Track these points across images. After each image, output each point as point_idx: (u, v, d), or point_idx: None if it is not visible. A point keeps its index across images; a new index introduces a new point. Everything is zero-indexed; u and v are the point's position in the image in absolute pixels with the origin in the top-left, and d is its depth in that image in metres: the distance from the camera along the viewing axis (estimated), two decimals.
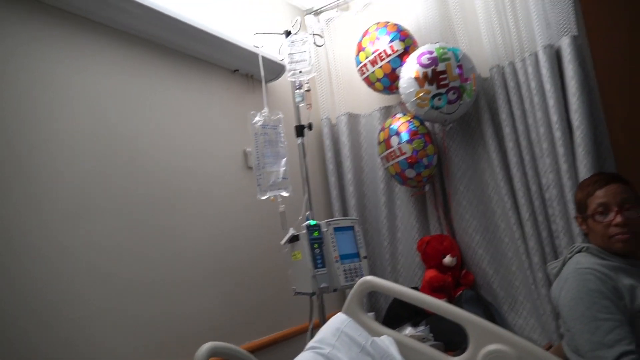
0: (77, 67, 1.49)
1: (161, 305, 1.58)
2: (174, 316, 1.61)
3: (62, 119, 1.42)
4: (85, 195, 1.44)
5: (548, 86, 1.94)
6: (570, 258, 1.48)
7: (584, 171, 1.85)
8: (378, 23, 2.29)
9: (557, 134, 1.91)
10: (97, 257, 1.43)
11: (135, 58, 1.68)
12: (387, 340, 1.29)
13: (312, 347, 1.02)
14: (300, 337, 1.91)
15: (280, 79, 2.17)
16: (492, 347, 1.26)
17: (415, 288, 2.27)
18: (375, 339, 1.20)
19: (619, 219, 1.39)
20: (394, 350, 1.26)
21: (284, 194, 1.81)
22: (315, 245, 1.66)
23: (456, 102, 2.03)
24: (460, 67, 2.02)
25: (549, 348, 1.79)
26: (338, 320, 1.12)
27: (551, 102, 1.93)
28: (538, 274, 1.99)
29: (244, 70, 2.08)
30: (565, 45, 1.92)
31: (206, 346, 1.32)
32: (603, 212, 1.42)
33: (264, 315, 1.95)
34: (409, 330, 2.04)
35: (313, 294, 1.67)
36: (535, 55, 2.00)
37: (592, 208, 1.44)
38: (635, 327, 1.31)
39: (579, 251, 1.48)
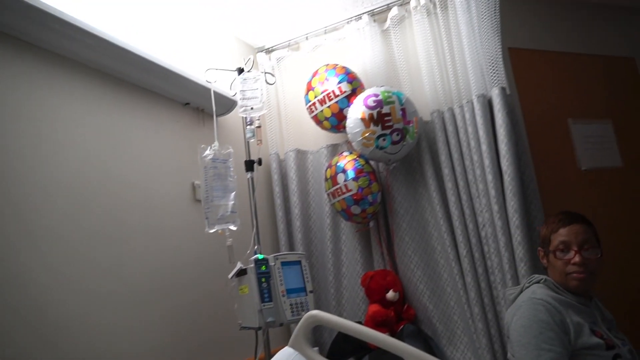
0: (26, 94, 1.46)
1: (103, 338, 1.52)
2: (120, 349, 1.56)
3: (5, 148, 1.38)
4: (34, 223, 1.40)
5: (481, 132, 2.09)
6: (527, 287, 1.56)
7: (512, 212, 1.98)
8: (327, 65, 2.40)
9: (489, 177, 2.05)
10: (48, 283, 1.39)
11: (85, 88, 1.67)
12: None
13: None
14: None
15: (230, 113, 2.21)
16: None
17: (360, 322, 2.31)
18: None
19: (577, 258, 1.47)
20: None
21: (232, 227, 1.82)
22: (263, 280, 1.67)
23: (399, 143, 2.14)
24: (403, 110, 2.14)
25: None
26: (285, 355, 1.14)
27: (484, 147, 2.07)
28: (475, 309, 2.08)
29: (195, 104, 2.10)
30: (495, 96, 2.09)
31: None
32: (564, 250, 1.51)
33: (209, 350, 1.91)
34: None
35: (259, 328, 1.67)
36: (471, 103, 2.15)
37: (554, 244, 1.53)
38: None
39: (537, 282, 1.56)
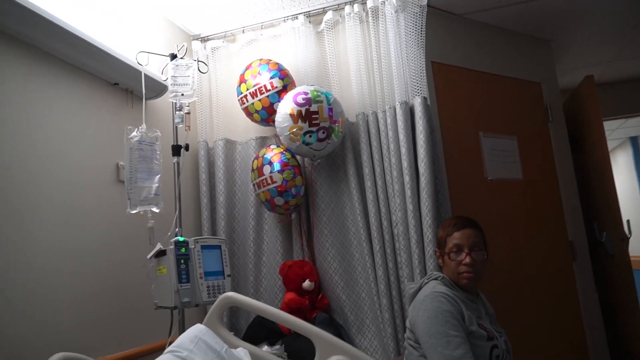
0: None
1: (12, 317, 1.49)
2: (26, 329, 1.52)
3: None
4: None
5: (402, 136, 2.25)
6: (427, 283, 1.72)
7: (425, 212, 2.16)
8: (261, 59, 2.46)
9: (407, 178, 2.21)
10: None
11: (4, 56, 1.61)
12: (242, 352, 1.40)
13: (171, 351, 1.08)
14: (159, 353, 1.91)
15: (161, 97, 2.21)
16: (335, 358, 1.44)
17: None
18: (231, 349, 1.30)
19: (467, 259, 1.66)
20: None
21: (155, 209, 1.84)
22: (182, 261, 1.71)
23: (325, 141, 2.25)
24: (330, 109, 2.25)
25: None
26: (196, 329, 1.20)
27: (403, 150, 2.23)
28: (383, 300, 2.23)
29: (124, 85, 2.09)
30: (417, 104, 2.26)
31: (57, 356, 1.29)
32: (457, 252, 1.68)
33: (123, 329, 1.91)
34: (265, 348, 2.15)
35: (175, 307, 1.70)
36: (394, 109, 2.31)
37: (449, 247, 1.70)
38: None
39: (435, 279, 1.71)
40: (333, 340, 1.46)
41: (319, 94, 2.25)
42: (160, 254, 1.73)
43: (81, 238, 1.80)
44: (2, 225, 1.52)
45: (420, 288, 1.73)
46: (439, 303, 1.56)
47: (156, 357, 1.15)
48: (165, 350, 1.09)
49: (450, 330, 1.50)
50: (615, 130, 5.46)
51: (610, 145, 6.15)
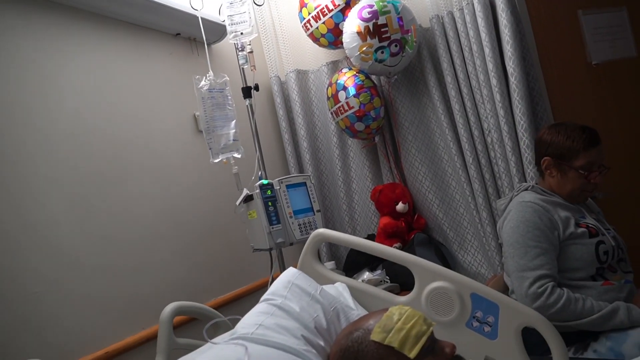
0: (14, 38, 1.45)
1: (121, 274, 1.61)
2: (136, 283, 1.65)
3: None
4: (36, 173, 1.44)
5: (484, 35, 2.01)
6: (516, 195, 1.62)
7: (519, 115, 1.97)
8: None
9: (494, 81, 2.00)
10: (53, 232, 1.45)
11: (73, 29, 1.64)
12: (340, 287, 1.39)
13: (266, 299, 1.10)
14: (263, 290, 2.01)
15: (223, 40, 2.15)
16: (435, 284, 1.38)
17: (372, 235, 2.40)
18: (326, 287, 1.30)
19: (599, 179, 1.53)
20: (347, 295, 1.36)
21: (236, 155, 1.85)
22: (269, 203, 1.73)
23: (399, 55, 2.08)
24: (400, 19, 2.06)
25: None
26: (289, 274, 1.20)
27: (487, 50, 2.01)
28: (483, 214, 2.13)
29: (186, 34, 2.06)
30: None
31: (171, 306, 1.39)
32: (588, 169, 1.52)
33: (226, 273, 2.02)
34: (366, 275, 2.17)
35: (270, 249, 1.75)
36: (472, 4, 2.06)
37: (581, 162, 1.51)
38: (564, 252, 1.48)
39: (525, 189, 1.61)
40: (430, 267, 1.40)
41: (386, 3, 2.06)
42: (248, 198, 1.76)
43: (175, 195, 1.88)
44: (104, 195, 1.62)
45: (510, 201, 1.63)
46: (524, 213, 1.51)
47: (261, 295, 1.18)
48: (261, 300, 1.11)
49: (530, 241, 1.46)
50: None
51: None
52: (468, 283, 1.37)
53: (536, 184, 1.63)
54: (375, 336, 0.90)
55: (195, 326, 1.66)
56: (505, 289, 1.67)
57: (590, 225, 1.51)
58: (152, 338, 1.54)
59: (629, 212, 2.17)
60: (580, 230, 1.49)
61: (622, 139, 2.28)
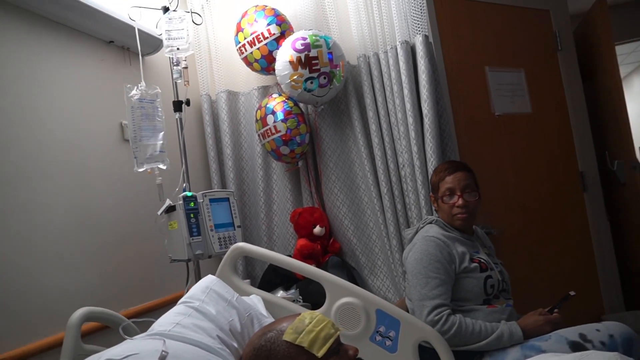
0: None
1: (25, 275, 1.54)
2: (45, 289, 1.59)
3: None
4: None
5: (404, 77, 2.21)
6: (422, 227, 1.82)
7: (430, 153, 2.16)
8: (257, 6, 2.39)
9: (410, 119, 2.19)
10: None
11: (3, 25, 1.60)
12: (255, 299, 1.45)
13: (184, 302, 1.14)
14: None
15: (158, 52, 2.18)
16: (345, 300, 1.49)
17: (289, 256, 2.47)
18: (243, 297, 1.35)
19: (460, 201, 1.74)
20: (261, 306, 1.42)
21: (161, 166, 1.86)
22: (191, 215, 1.76)
23: (327, 86, 2.22)
24: (330, 54, 2.20)
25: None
26: (207, 280, 1.25)
27: (406, 91, 2.20)
28: (393, 241, 2.28)
29: (120, 43, 2.06)
30: (419, 43, 2.20)
31: (80, 311, 1.36)
32: (449, 195, 1.77)
33: (143, 283, 1.99)
34: (280, 293, 2.23)
35: (188, 260, 1.77)
36: (395, 49, 2.25)
37: (442, 191, 1.79)
38: (458, 284, 1.68)
39: (430, 223, 1.81)
40: (341, 283, 1.51)
41: (318, 38, 2.20)
42: (170, 209, 1.78)
43: (93, 198, 1.85)
44: (13, 190, 1.56)
45: (416, 232, 1.82)
46: (427, 246, 1.68)
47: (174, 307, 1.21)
48: (179, 302, 1.14)
49: (431, 272, 1.63)
50: (630, 54, 5.26)
51: (624, 70, 5.95)
52: (374, 300, 1.49)
53: (438, 217, 1.83)
54: (288, 336, 0.97)
55: (105, 335, 1.61)
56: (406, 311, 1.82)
57: (482, 260, 1.72)
58: (57, 346, 1.47)
59: (516, 248, 2.45)
60: (473, 265, 1.69)
61: (514, 181, 2.58)
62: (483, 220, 2.38)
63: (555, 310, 1.64)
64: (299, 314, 1.05)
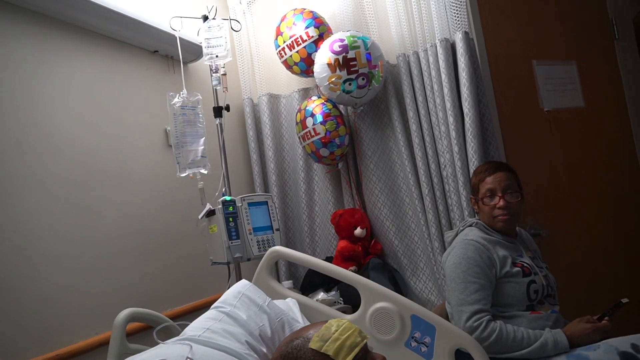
0: None
1: (79, 279, 1.64)
2: (93, 288, 1.69)
3: None
4: (9, 175, 1.49)
5: (444, 76, 2.16)
6: (462, 230, 1.77)
7: (472, 153, 2.10)
8: (295, 9, 2.41)
9: (451, 119, 2.14)
10: (15, 231, 1.48)
11: (53, 40, 1.70)
12: (290, 302, 1.47)
13: (216, 307, 1.17)
14: None
15: (200, 60, 2.24)
16: (379, 304, 1.48)
17: (330, 257, 2.48)
18: (276, 301, 1.37)
19: (501, 202, 1.68)
20: (296, 310, 1.44)
21: (203, 171, 1.92)
22: (230, 219, 1.80)
23: (365, 87, 2.20)
24: (369, 54, 2.18)
25: None
26: (240, 285, 1.28)
27: (446, 90, 2.15)
28: (435, 243, 2.24)
29: (164, 52, 2.14)
30: (459, 40, 2.14)
31: (125, 311, 1.43)
32: (490, 196, 1.71)
33: (184, 285, 2.06)
34: (321, 295, 2.25)
35: (228, 263, 1.81)
36: (435, 47, 2.20)
37: (482, 192, 1.73)
38: (499, 289, 1.62)
39: (470, 225, 1.76)
40: (376, 288, 1.50)
41: (356, 39, 2.19)
42: (210, 213, 1.83)
43: (139, 203, 1.93)
44: (70, 194, 1.67)
45: (456, 235, 1.77)
46: (466, 250, 1.63)
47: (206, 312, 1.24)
48: (212, 307, 1.18)
49: (470, 277, 1.59)
50: None
51: None
52: (409, 305, 1.47)
53: (479, 219, 1.77)
54: (314, 344, 0.98)
55: (149, 334, 1.68)
56: (445, 316, 1.78)
57: (525, 264, 1.65)
58: (105, 344, 1.56)
59: (567, 251, 2.33)
60: (515, 269, 1.62)
61: (565, 181, 2.45)
62: (532, 221, 2.28)
63: (606, 317, 1.55)
64: (327, 320, 1.05)
